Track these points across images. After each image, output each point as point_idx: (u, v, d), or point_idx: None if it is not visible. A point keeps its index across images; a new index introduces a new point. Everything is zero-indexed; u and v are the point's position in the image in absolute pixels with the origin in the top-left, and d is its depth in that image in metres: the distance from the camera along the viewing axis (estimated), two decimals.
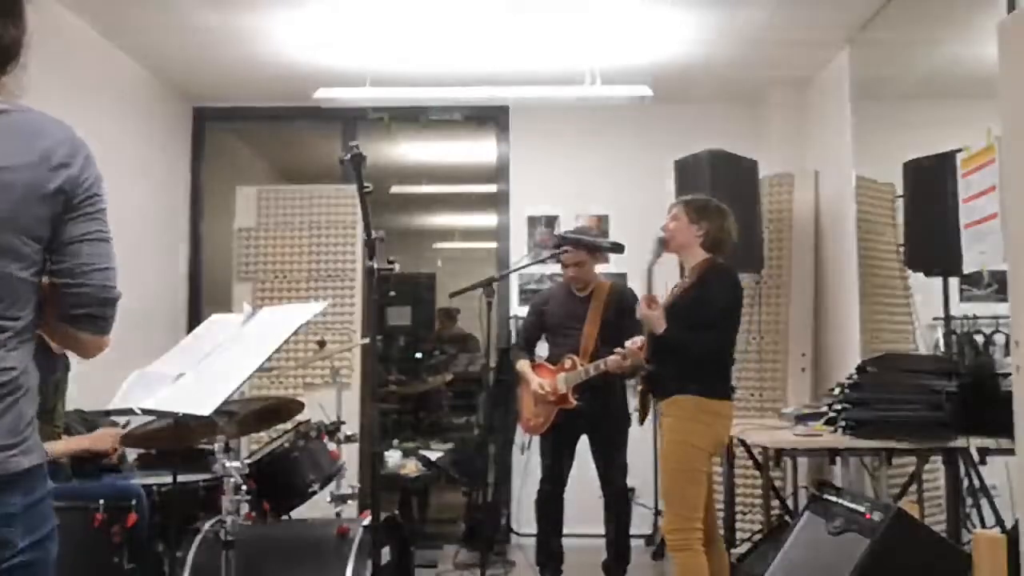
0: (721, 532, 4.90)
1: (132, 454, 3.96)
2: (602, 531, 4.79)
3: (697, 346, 3.54)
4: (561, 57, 5.24)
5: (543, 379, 4.59)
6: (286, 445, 3.86)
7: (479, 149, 7.14)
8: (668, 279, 3.83)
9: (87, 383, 3.77)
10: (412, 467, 5.62)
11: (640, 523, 5.06)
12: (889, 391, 3.67)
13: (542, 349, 4.90)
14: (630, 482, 4.73)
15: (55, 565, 1.59)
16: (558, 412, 4.56)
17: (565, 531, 4.79)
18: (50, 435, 3.41)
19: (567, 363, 4.54)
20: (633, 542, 4.90)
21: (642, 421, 3.81)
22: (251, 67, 5.53)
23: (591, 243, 4.70)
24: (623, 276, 5.79)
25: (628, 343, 4.07)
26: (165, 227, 6.01)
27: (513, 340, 6.11)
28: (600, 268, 4.83)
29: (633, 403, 4.23)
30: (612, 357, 4.26)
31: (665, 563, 5.39)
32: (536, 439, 4.80)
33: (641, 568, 4.88)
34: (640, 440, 5.04)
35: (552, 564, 4.73)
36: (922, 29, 4.65)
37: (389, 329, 10.45)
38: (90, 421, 3.89)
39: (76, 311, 1.59)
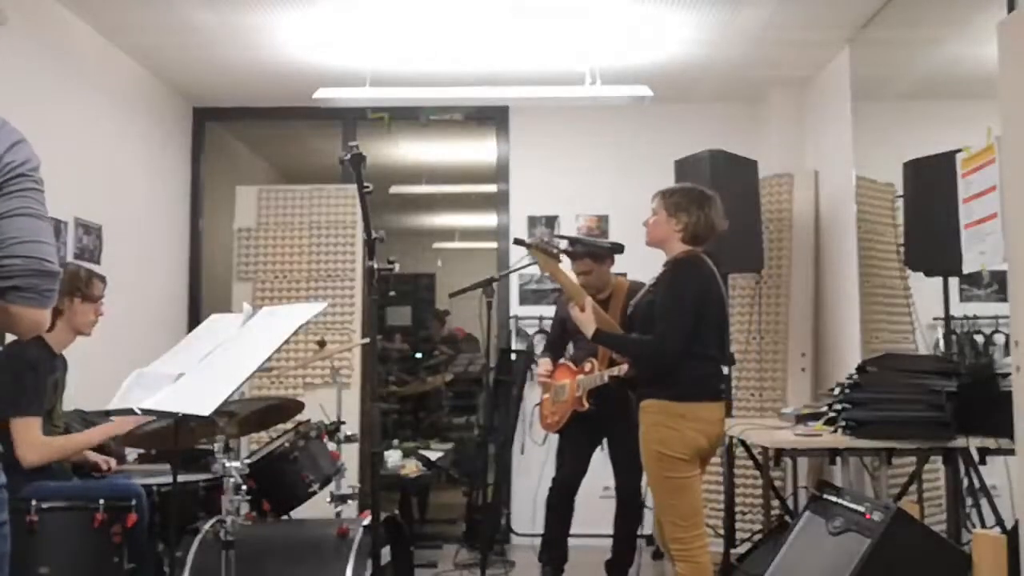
0: (721, 532, 4.92)
1: (132, 454, 3.96)
2: (602, 531, 4.80)
3: (631, 348, 3.49)
4: (561, 57, 5.24)
5: (562, 382, 4.62)
6: (286, 445, 3.86)
7: (479, 149, 7.14)
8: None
9: (87, 383, 3.78)
10: (412, 467, 5.62)
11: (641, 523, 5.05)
12: (889, 391, 3.67)
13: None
14: None
15: (9, 560, 1.58)
16: (573, 413, 4.57)
17: (575, 530, 4.81)
18: (49, 434, 3.41)
19: (587, 366, 4.54)
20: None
21: None
22: (251, 67, 5.53)
23: (592, 243, 4.70)
24: (623, 276, 5.79)
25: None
26: (165, 227, 6.01)
27: (514, 341, 6.14)
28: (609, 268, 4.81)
29: None
30: (624, 367, 4.25)
31: (665, 563, 5.40)
32: (554, 438, 4.82)
33: (641, 568, 4.87)
34: None
35: (555, 563, 4.74)
36: (922, 29, 4.65)
37: (389, 329, 10.48)
38: (89, 421, 3.89)
39: (3, 283, 1.56)
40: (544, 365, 4.71)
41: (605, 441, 4.69)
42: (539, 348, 5.78)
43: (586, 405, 4.47)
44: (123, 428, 3.43)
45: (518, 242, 4.06)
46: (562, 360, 4.74)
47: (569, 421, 4.59)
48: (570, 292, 3.74)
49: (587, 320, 3.55)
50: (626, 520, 4.70)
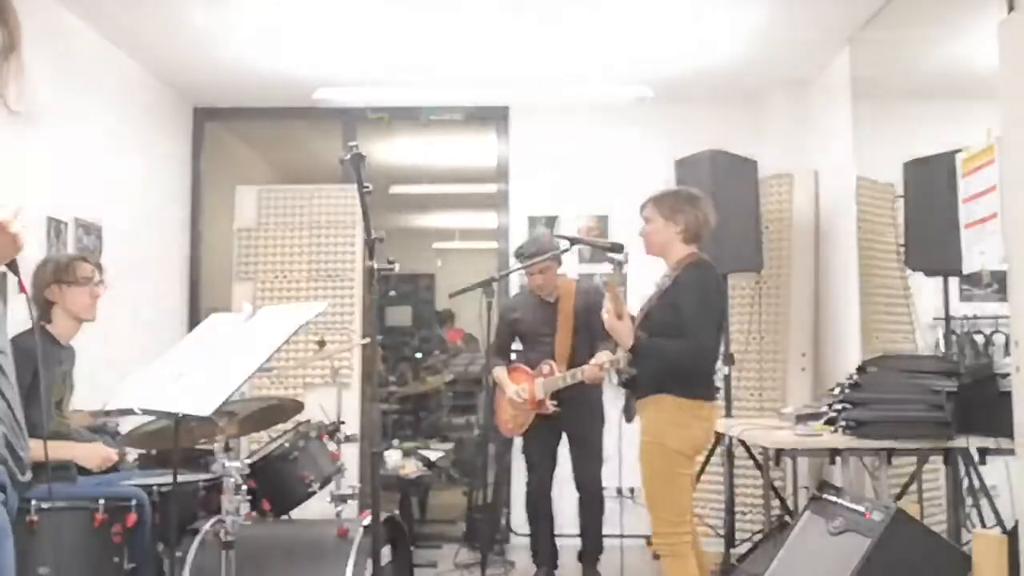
0: (721, 532, 4.92)
1: (132, 454, 3.96)
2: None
3: (672, 353, 3.45)
4: (561, 57, 5.24)
5: (520, 385, 4.65)
6: (286, 445, 3.86)
7: (479, 149, 7.14)
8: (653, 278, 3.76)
9: (88, 382, 3.77)
10: (412, 467, 5.62)
11: (639, 523, 5.06)
12: (889, 391, 3.67)
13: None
14: (630, 483, 4.73)
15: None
16: (536, 416, 4.63)
17: (560, 531, 4.83)
18: (59, 426, 3.41)
19: (545, 368, 4.60)
20: (633, 542, 4.91)
21: (629, 419, 3.70)
22: (251, 67, 5.53)
23: (592, 243, 4.73)
24: (623, 276, 5.79)
25: (593, 359, 4.22)
26: (165, 227, 6.01)
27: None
28: (599, 268, 4.86)
29: (613, 405, 4.27)
30: (589, 367, 4.28)
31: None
32: (519, 441, 4.91)
33: (641, 568, 4.88)
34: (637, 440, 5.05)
35: (547, 562, 4.78)
36: (922, 29, 4.65)
37: (389, 329, 10.48)
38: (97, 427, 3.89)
39: None
40: (506, 382, 4.71)
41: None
42: None
43: (550, 408, 4.53)
44: (89, 461, 3.32)
45: (615, 246, 3.97)
46: (514, 364, 4.82)
47: (532, 423, 4.65)
48: (615, 300, 3.68)
49: (626, 330, 3.46)
50: (590, 511, 4.77)
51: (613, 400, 4.47)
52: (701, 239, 3.57)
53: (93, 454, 3.36)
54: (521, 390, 4.61)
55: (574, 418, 4.64)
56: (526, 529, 4.96)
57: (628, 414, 3.71)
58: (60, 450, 3.31)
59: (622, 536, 4.99)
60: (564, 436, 4.75)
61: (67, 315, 3.50)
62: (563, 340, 4.61)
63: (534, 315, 4.75)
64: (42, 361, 3.31)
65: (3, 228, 1.46)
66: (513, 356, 4.92)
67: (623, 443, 4.65)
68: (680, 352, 3.43)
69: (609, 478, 4.77)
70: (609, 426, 4.72)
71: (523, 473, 4.92)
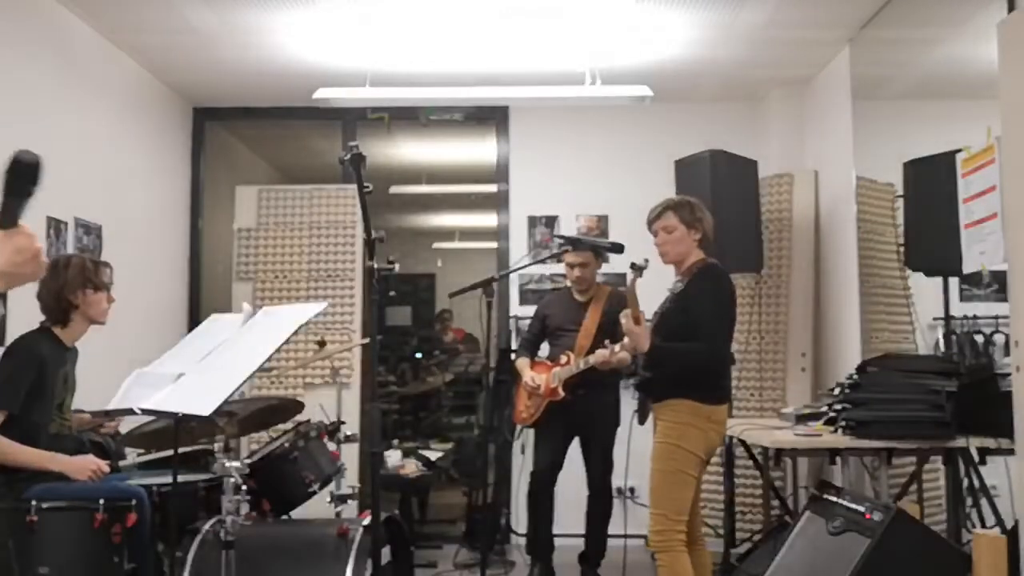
0: (721, 532, 4.93)
1: (132, 454, 3.96)
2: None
3: (688, 357, 3.50)
4: (561, 57, 5.24)
5: (537, 374, 4.74)
6: (286, 445, 3.86)
7: (479, 149, 7.14)
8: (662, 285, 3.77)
9: (87, 382, 3.78)
10: (412, 467, 5.62)
11: (639, 523, 5.05)
12: (889, 391, 3.67)
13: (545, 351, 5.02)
14: (631, 482, 4.75)
15: None
16: (547, 405, 4.68)
17: (559, 530, 4.85)
18: (60, 428, 3.41)
19: (562, 359, 4.68)
20: (633, 542, 4.90)
21: (642, 421, 3.77)
22: (251, 67, 5.53)
23: (592, 243, 4.75)
24: (623, 276, 5.80)
25: (604, 347, 4.23)
26: (165, 227, 6.01)
27: (513, 341, 6.14)
28: (600, 268, 4.89)
29: (630, 406, 4.26)
30: (598, 352, 4.32)
31: None
32: (531, 434, 4.91)
33: (641, 567, 4.87)
34: (640, 440, 5.04)
35: (542, 556, 4.82)
36: (922, 29, 4.65)
37: (389, 329, 10.49)
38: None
39: None
40: (525, 369, 4.80)
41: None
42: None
43: (561, 394, 4.60)
44: (77, 474, 3.29)
45: (615, 247, 4.16)
46: (538, 359, 4.89)
47: (544, 414, 4.70)
48: (632, 304, 3.69)
49: (643, 333, 3.51)
50: (598, 514, 4.82)
51: (630, 404, 4.47)
52: (710, 246, 3.64)
53: (82, 467, 3.31)
54: (536, 377, 4.71)
55: (591, 421, 4.71)
56: (526, 529, 4.97)
57: (642, 416, 3.75)
58: (48, 462, 3.28)
59: (624, 536, 4.99)
60: (577, 439, 4.79)
61: (83, 319, 3.50)
62: (585, 335, 4.68)
63: (564, 311, 4.85)
64: (48, 364, 3.32)
65: (38, 255, 1.41)
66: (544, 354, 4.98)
67: (626, 444, 4.68)
68: (697, 355, 3.49)
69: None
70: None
71: (524, 473, 4.93)
